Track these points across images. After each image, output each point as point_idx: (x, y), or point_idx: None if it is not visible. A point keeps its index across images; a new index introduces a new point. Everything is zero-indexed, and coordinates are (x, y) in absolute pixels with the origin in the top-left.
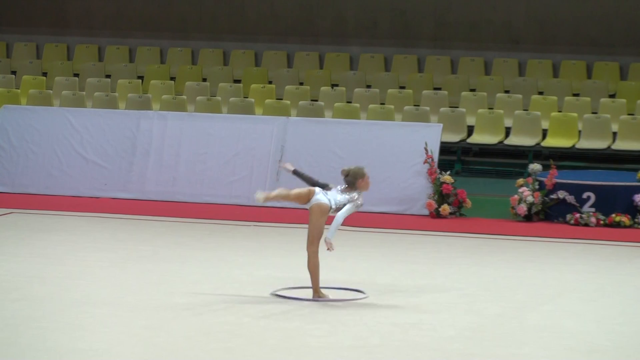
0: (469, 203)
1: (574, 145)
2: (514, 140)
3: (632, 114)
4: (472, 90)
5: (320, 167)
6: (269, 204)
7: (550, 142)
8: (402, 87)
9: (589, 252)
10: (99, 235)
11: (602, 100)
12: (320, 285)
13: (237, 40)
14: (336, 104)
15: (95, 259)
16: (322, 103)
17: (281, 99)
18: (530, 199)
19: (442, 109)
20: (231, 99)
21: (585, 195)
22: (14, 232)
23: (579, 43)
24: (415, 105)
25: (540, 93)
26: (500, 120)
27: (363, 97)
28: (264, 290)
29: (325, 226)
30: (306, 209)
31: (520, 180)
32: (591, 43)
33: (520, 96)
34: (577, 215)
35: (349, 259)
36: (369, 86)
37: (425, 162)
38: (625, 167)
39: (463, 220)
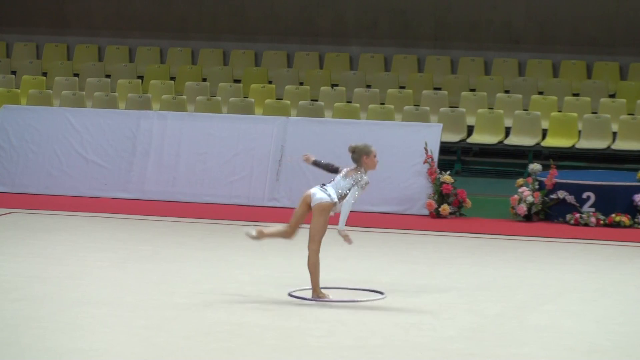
0: (469, 203)
1: (573, 145)
2: (513, 140)
3: (632, 114)
4: (472, 90)
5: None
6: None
7: (550, 142)
8: (402, 87)
9: (589, 252)
10: (99, 235)
11: (602, 100)
12: (338, 286)
13: (237, 40)
14: (336, 104)
15: (95, 259)
16: (322, 103)
17: (281, 99)
18: (530, 199)
19: (442, 109)
20: (231, 99)
21: (585, 195)
22: (14, 232)
23: (579, 43)
24: (415, 105)
25: (540, 93)
26: (500, 120)
27: (363, 97)
28: (264, 290)
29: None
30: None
31: (520, 180)
32: (591, 43)
33: (520, 96)
34: (577, 215)
35: (349, 259)
36: (369, 86)
37: (425, 162)
38: (625, 167)
39: (463, 220)
